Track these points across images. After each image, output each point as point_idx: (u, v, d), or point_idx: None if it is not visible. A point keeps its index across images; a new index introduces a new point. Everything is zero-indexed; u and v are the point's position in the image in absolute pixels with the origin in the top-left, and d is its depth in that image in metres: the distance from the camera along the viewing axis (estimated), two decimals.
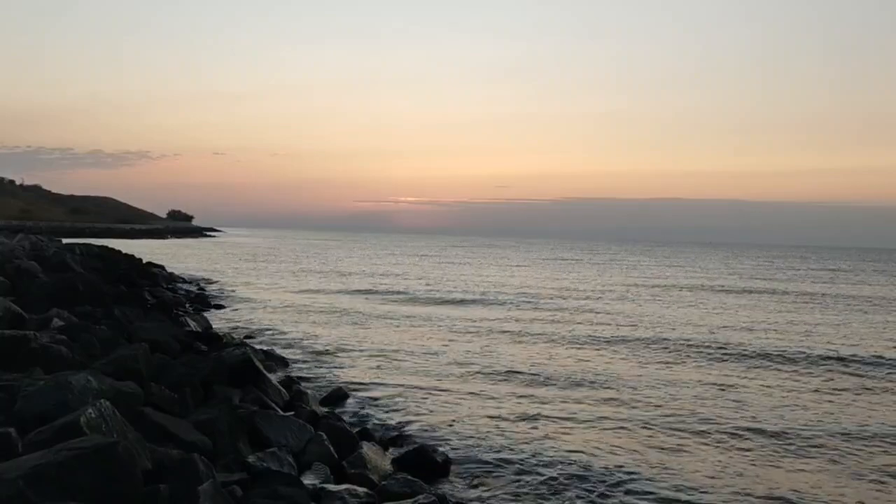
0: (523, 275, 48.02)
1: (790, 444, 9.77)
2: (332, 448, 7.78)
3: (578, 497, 7.66)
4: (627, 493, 7.82)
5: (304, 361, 14.80)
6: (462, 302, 28.17)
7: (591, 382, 13.39)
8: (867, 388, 13.56)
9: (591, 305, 28.13)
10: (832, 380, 14.31)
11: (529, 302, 28.78)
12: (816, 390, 13.28)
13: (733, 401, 12.17)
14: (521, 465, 8.59)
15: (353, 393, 11.93)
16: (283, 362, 14.19)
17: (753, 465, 8.88)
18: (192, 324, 16.39)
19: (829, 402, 12.34)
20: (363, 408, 11.14)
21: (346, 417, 10.01)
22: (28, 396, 6.31)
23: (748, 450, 9.47)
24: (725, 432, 10.22)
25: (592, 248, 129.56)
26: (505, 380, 13.47)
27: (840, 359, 16.53)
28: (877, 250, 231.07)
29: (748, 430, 10.36)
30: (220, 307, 24.22)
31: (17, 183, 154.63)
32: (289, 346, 16.81)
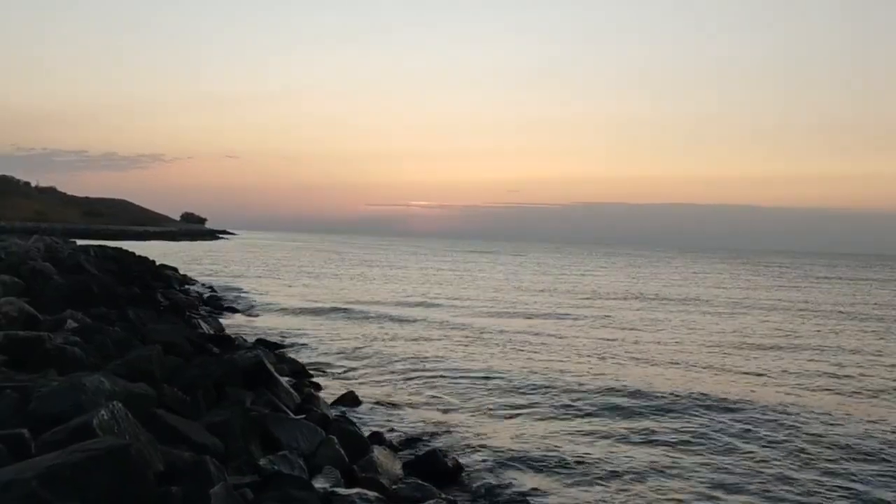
0: (544, 283, 47.94)
1: None
2: (343, 451, 7.77)
3: None
4: (649, 499, 7.78)
5: (316, 365, 14.82)
6: (482, 310, 28.13)
7: (607, 392, 13.31)
8: None
9: (606, 313, 28.05)
10: None
11: (549, 313, 28.74)
12: None
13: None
14: (534, 471, 8.56)
15: (365, 397, 11.93)
16: (295, 365, 14.19)
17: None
18: (205, 326, 16.46)
19: None
20: (375, 411, 11.15)
21: (357, 421, 10.01)
22: (42, 397, 6.34)
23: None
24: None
25: (611, 255, 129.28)
26: (519, 389, 13.38)
27: None
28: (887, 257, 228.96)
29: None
30: (232, 309, 24.31)
31: (33, 185, 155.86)
32: (301, 349, 16.84)
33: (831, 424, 11.10)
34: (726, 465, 9.00)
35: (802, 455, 9.51)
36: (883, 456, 9.61)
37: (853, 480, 8.60)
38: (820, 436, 10.43)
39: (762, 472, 8.77)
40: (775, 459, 9.30)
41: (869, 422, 11.36)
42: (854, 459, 9.40)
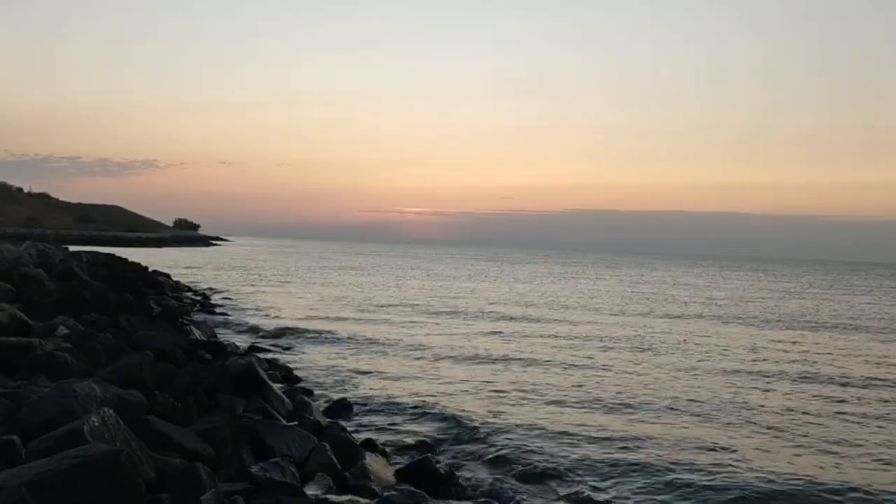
0: (540, 291, 47.96)
1: None
2: (335, 458, 7.74)
3: None
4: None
5: (309, 371, 14.76)
6: (471, 316, 28.11)
7: (613, 405, 13.29)
8: None
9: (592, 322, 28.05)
10: None
11: (548, 319, 28.75)
12: None
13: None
14: (528, 481, 8.54)
15: (358, 404, 11.89)
16: (288, 371, 14.16)
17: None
18: (197, 332, 16.39)
19: None
20: (368, 418, 11.11)
21: (349, 428, 9.98)
22: (32, 404, 6.32)
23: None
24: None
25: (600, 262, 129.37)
26: (517, 397, 13.35)
27: None
28: (884, 265, 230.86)
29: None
30: (224, 315, 24.23)
31: (25, 190, 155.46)
32: (294, 355, 16.79)
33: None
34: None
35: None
36: None
37: None
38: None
39: None
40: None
41: None
42: None
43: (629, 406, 12.42)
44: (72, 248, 50.80)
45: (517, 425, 10.89)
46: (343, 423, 10.34)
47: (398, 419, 11.10)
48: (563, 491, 8.15)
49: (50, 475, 4.49)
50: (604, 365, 16.70)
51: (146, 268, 36.35)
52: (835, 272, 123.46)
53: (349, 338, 20.05)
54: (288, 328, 21.56)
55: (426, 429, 10.54)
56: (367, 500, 6.77)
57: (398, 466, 8.46)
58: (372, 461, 8.12)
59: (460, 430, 10.51)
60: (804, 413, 12.38)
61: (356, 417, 11.15)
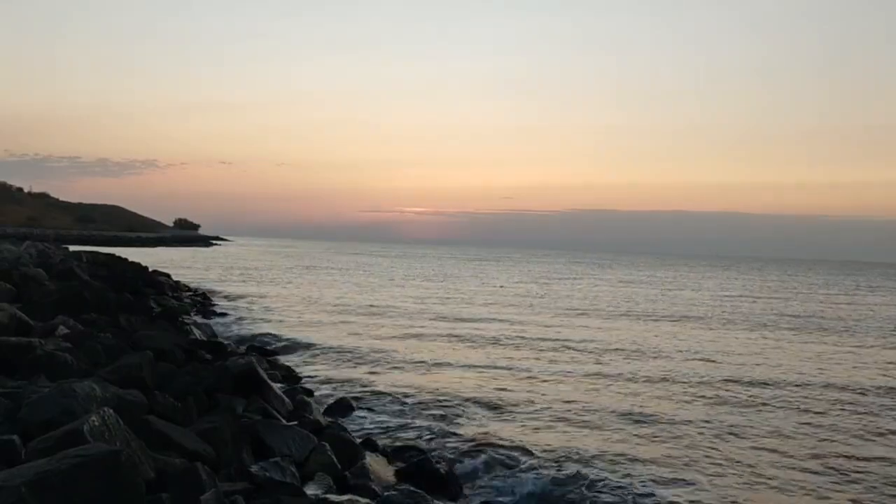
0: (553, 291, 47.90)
1: None
2: (335, 458, 7.74)
3: None
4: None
5: (309, 371, 14.77)
6: (473, 318, 28.10)
7: (615, 403, 13.29)
8: None
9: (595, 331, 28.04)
10: None
11: (541, 322, 28.73)
12: None
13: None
14: (526, 480, 8.54)
15: (358, 403, 11.89)
16: (288, 371, 14.16)
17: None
18: (197, 332, 16.39)
19: None
20: (368, 418, 11.11)
21: (350, 428, 9.98)
22: (32, 404, 6.31)
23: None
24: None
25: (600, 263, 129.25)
26: (515, 399, 13.36)
27: None
28: (884, 265, 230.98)
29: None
30: (224, 315, 24.22)
31: (25, 190, 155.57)
32: (294, 355, 16.79)
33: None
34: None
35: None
36: None
37: None
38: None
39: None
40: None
41: None
42: None
43: (640, 414, 12.25)
44: (72, 248, 50.78)
45: (519, 428, 10.89)
46: (343, 422, 10.34)
47: (399, 419, 11.09)
48: (564, 494, 8.15)
49: (50, 475, 4.49)
50: (611, 371, 16.63)
51: (146, 268, 36.33)
52: (837, 272, 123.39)
53: (350, 338, 20.05)
54: (288, 328, 21.55)
55: (427, 429, 10.53)
56: (367, 500, 6.77)
57: (398, 466, 8.46)
58: (372, 461, 8.12)
59: (461, 430, 10.51)
60: (816, 423, 12.33)
61: (356, 417, 11.14)
